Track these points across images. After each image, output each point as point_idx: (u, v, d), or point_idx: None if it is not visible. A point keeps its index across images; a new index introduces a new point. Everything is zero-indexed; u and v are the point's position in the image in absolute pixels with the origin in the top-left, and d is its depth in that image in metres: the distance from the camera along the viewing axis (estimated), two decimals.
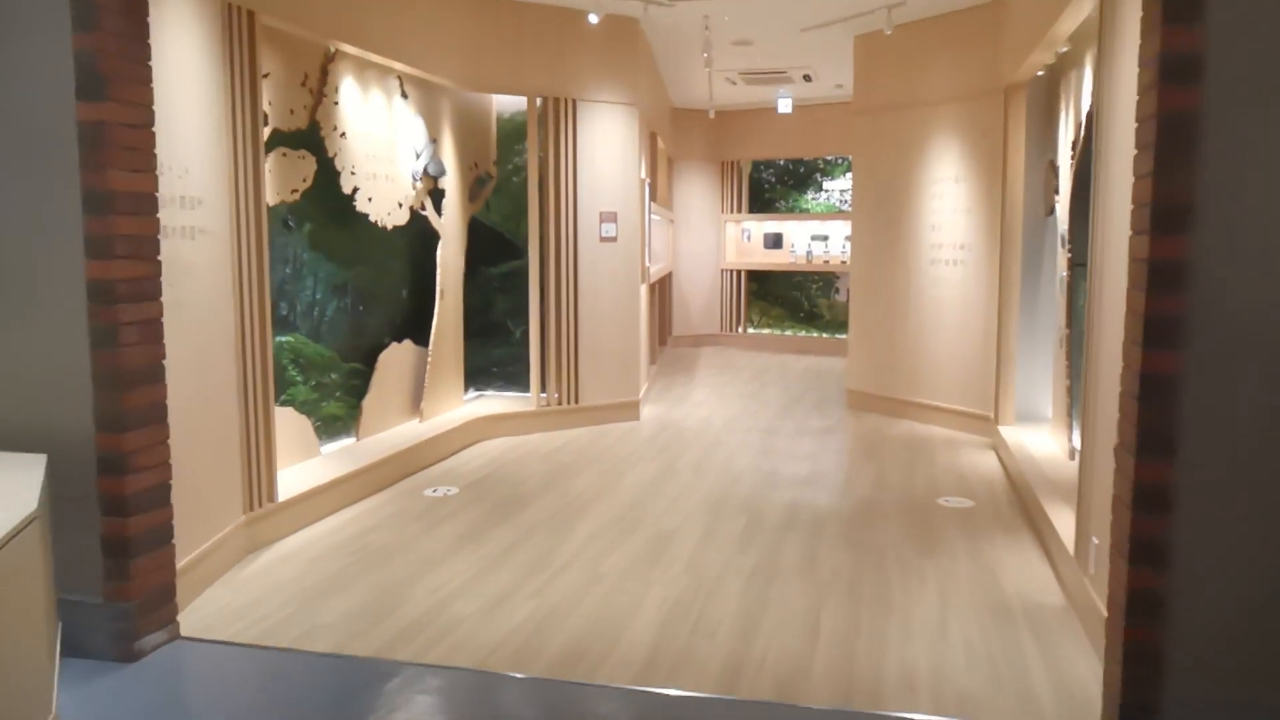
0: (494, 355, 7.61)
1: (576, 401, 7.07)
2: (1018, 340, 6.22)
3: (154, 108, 3.12)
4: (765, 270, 12.19)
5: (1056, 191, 6.01)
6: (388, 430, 6.11)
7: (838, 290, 11.87)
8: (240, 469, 4.14)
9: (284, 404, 5.12)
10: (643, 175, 7.48)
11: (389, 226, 5.98)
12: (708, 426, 7.17)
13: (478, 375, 7.53)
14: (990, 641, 3.31)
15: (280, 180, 4.97)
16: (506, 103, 7.25)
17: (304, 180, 5.18)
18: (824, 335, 11.90)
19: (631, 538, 4.46)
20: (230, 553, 4.00)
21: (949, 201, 6.89)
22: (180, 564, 3.48)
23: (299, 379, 5.34)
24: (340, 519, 4.76)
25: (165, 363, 3.19)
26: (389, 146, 5.96)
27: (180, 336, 3.50)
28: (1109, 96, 3.39)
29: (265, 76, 4.75)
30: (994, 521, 4.76)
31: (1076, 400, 5.35)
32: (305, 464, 5.14)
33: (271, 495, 4.37)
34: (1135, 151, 2.48)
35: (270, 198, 4.86)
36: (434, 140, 6.47)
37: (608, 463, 5.99)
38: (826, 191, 11.93)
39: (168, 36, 3.45)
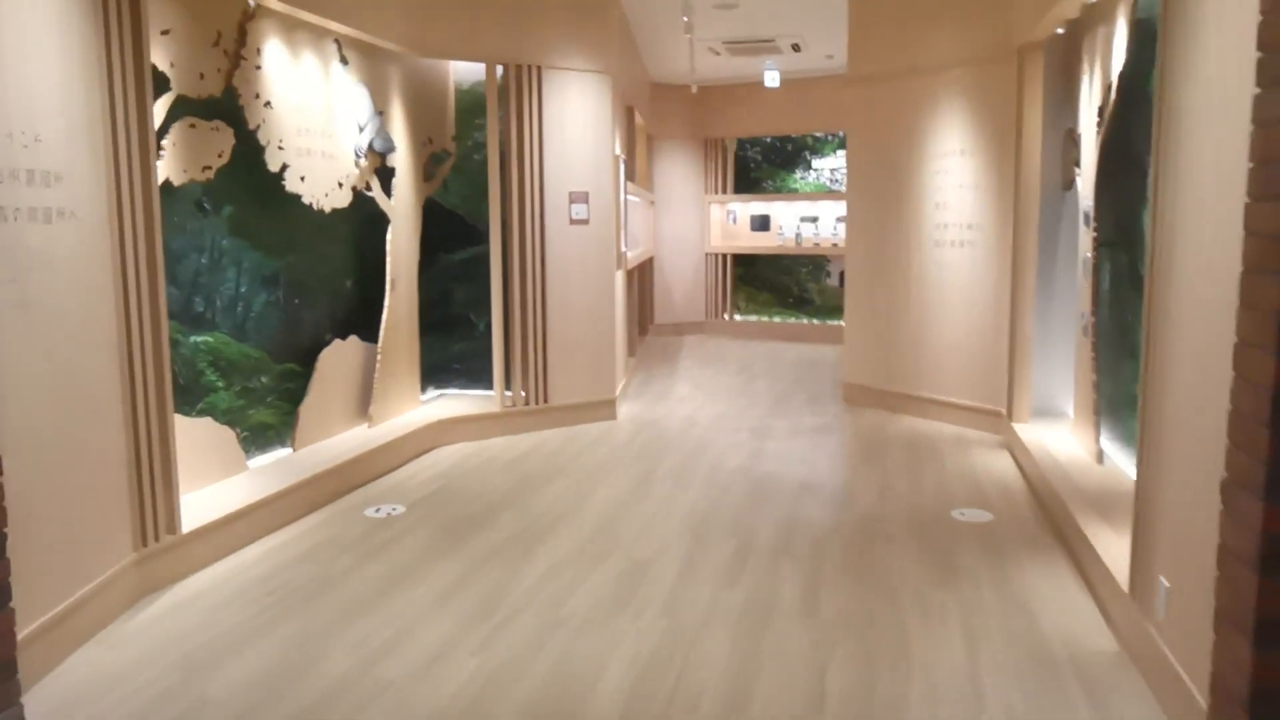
0: (455, 350, 6.93)
1: (545, 401, 6.41)
2: (1033, 328, 5.59)
3: None
4: (752, 254, 11.54)
5: (1077, 164, 5.37)
6: (330, 438, 5.43)
7: (828, 274, 11.24)
8: (129, 498, 3.46)
9: (201, 414, 4.44)
10: (617, 151, 6.80)
11: (328, 209, 5.29)
12: (691, 426, 6.53)
13: (438, 372, 6.86)
14: (1037, 706, 2.68)
15: (188, 155, 4.26)
16: (466, 71, 6.55)
17: (220, 156, 4.47)
18: (814, 321, 11.26)
19: (599, 570, 3.81)
20: (114, 601, 3.33)
21: (955, 177, 6.24)
22: (36, 624, 2.82)
23: (220, 384, 4.65)
24: (260, 549, 4.08)
25: None
26: (326, 119, 5.26)
27: (27, 343, 2.81)
28: (1177, 43, 2.74)
29: (165, 34, 4.05)
30: (1019, 539, 4.14)
31: (1105, 397, 4.75)
32: (228, 482, 4.46)
33: (171, 526, 3.69)
34: (1257, 91, 1.83)
35: (175, 176, 4.16)
36: (380, 113, 5.76)
37: (577, 472, 5.33)
38: (816, 170, 11.27)
39: None
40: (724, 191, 11.50)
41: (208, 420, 4.45)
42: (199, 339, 4.53)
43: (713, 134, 11.38)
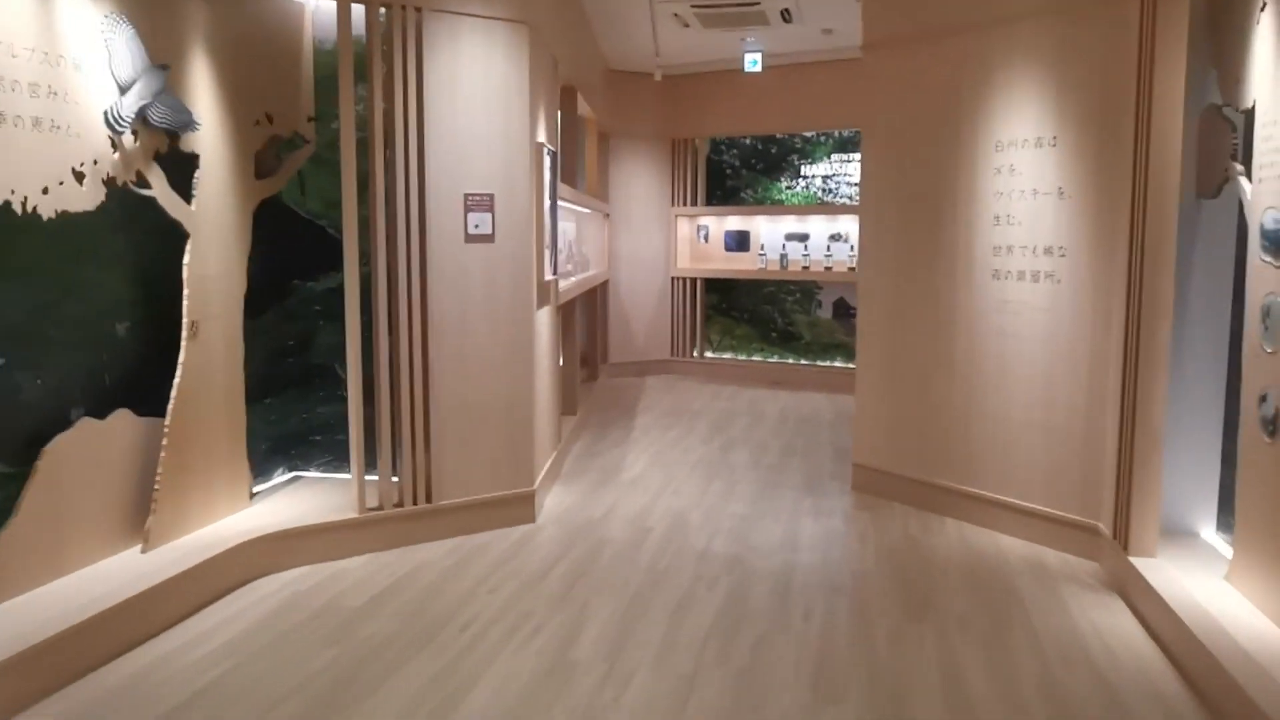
0: (318, 415, 4.89)
1: (427, 499, 4.38)
2: (1165, 406, 3.65)
3: None
4: (727, 278, 9.60)
5: (1235, 157, 3.47)
6: (64, 577, 3.37)
7: (820, 304, 9.31)
8: None
9: None
10: (542, 140, 4.81)
11: (49, 213, 3.26)
12: (644, 536, 4.51)
13: (293, 445, 4.83)
14: None
15: None
16: (329, 21, 4.54)
17: None
18: (803, 362, 9.32)
19: None
20: None
21: (1029, 178, 4.32)
22: None
23: None
24: None
25: None
26: (46, 66, 3.23)
27: None
28: None
29: None
30: None
31: None
32: None
33: None
34: None
35: None
36: (164, 66, 3.73)
37: (453, 642, 3.30)
38: (805, 179, 9.35)
39: None
40: (694, 203, 9.55)
41: None
42: None
43: (681, 133, 9.43)
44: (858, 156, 9.02)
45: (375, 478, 4.28)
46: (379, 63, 4.09)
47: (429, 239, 4.24)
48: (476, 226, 4.33)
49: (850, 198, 9.09)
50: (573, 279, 6.64)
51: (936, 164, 4.74)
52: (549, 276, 4.87)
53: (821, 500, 5.11)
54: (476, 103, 4.31)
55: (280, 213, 4.64)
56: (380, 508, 4.26)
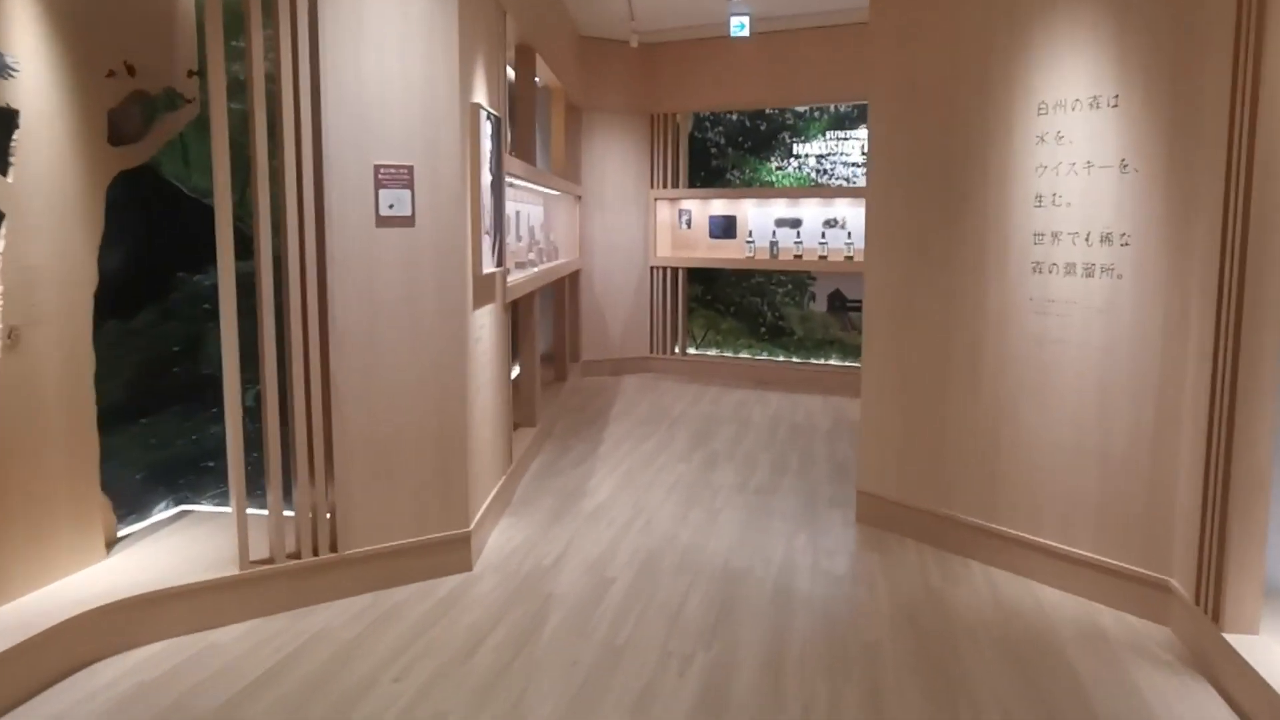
0: (211, 437, 4.02)
1: (331, 548, 3.51)
2: (1273, 439, 2.82)
3: None
4: (712, 268, 8.74)
5: None
6: None
7: (814, 297, 8.46)
8: None
9: None
10: (479, 101, 3.94)
11: None
12: (603, 590, 3.66)
13: (180, 473, 3.97)
14: None
15: None
16: None
17: None
18: (795, 360, 8.48)
19: None
20: None
21: (1081, 148, 3.46)
22: None
23: None
24: None
25: None
26: None
27: None
28: None
29: None
30: None
31: None
32: None
33: None
34: None
35: None
36: None
37: None
38: (797, 158, 8.49)
39: None
40: (675, 185, 8.67)
41: None
42: None
43: (660, 107, 8.54)
44: (856, 134, 8.15)
45: (268, 515, 3.41)
46: None
47: (329, 223, 3.36)
48: (391, 207, 3.45)
49: (847, 180, 8.23)
50: (533, 269, 5.77)
51: (962, 134, 3.88)
52: (489, 269, 3.99)
53: (821, 536, 4.27)
54: (390, 50, 3.42)
55: (158, 189, 3.77)
56: (271, 560, 3.39)
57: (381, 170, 3.42)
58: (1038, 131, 3.59)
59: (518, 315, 5.59)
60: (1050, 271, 3.58)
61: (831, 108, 8.20)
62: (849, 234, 7.95)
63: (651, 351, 8.80)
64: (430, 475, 3.67)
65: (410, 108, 3.48)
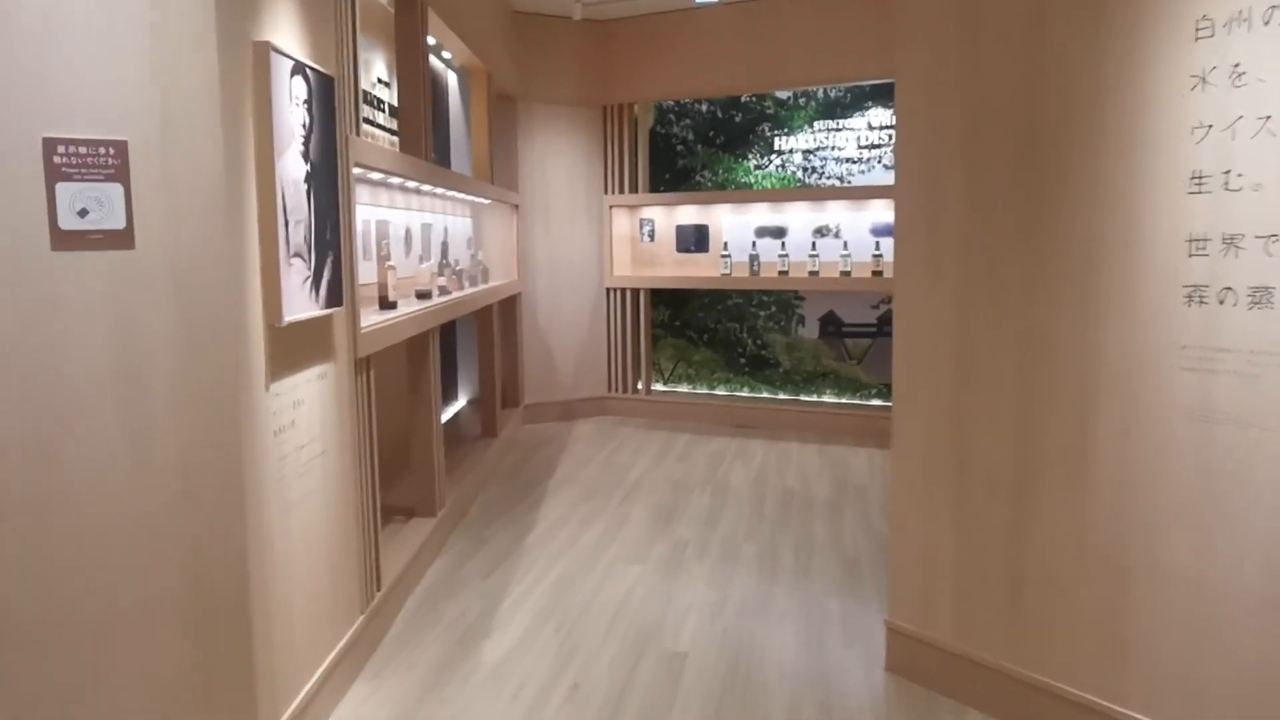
0: None
1: None
2: None
3: None
4: (681, 288, 7.29)
5: None
6: None
7: (803, 320, 7.03)
8: None
9: None
10: (272, 41, 2.46)
11: None
12: None
13: None
14: None
15: None
16: None
17: None
18: (780, 396, 7.04)
19: None
20: None
21: (1278, 89, 2.02)
22: None
23: None
24: None
25: None
26: None
27: None
28: None
29: None
30: None
31: None
32: None
33: None
34: None
35: None
36: None
37: None
38: (781, 155, 7.06)
39: None
40: (634, 190, 7.22)
41: None
42: None
43: (615, 96, 7.10)
44: (850, 123, 6.73)
45: None
46: None
47: None
48: (84, 214, 1.96)
49: (841, 179, 6.81)
50: (439, 300, 4.29)
51: (1057, 82, 2.44)
52: (300, 313, 2.49)
53: (835, 700, 2.79)
54: None
55: None
56: None
57: (61, 149, 1.93)
58: (1194, 67, 2.15)
59: (410, 357, 4.12)
60: (1222, 301, 2.14)
61: (820, 93, 6.78)
62: (845, 244, 6.53)
63: (610, 390, 7.32)
64: (175, 670, 2.16)
65: (120, 39, 1.99)
